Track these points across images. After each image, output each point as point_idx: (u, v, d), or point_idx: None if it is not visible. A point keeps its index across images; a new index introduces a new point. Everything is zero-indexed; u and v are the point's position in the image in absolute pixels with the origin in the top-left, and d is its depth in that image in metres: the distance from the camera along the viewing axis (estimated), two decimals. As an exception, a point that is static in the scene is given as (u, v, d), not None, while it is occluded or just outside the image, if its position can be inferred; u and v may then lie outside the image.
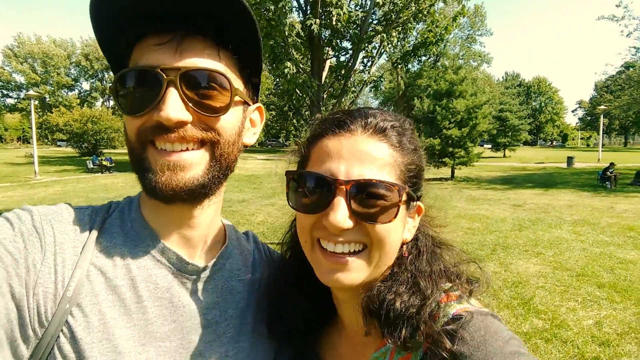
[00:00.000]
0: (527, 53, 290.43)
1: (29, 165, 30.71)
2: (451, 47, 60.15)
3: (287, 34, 9.12)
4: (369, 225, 0.80)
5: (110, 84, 0.84)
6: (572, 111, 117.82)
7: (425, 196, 0.95)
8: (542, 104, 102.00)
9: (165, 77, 0.76)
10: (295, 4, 10.67)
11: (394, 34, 10.17)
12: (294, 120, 57.21)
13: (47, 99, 70.33)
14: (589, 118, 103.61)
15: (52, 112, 47.47)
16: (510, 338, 0.75)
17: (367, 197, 0.78)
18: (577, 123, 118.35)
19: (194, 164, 0.81)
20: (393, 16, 10.32)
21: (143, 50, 0.79)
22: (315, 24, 9.33)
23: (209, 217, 0.94)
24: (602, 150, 42.60)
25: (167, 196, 0.80)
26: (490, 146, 57.59)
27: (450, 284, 0.86)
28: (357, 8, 11.24)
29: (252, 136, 0.99)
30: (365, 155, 0.80)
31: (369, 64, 11.29)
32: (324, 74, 10.85)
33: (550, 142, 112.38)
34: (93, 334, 0.75)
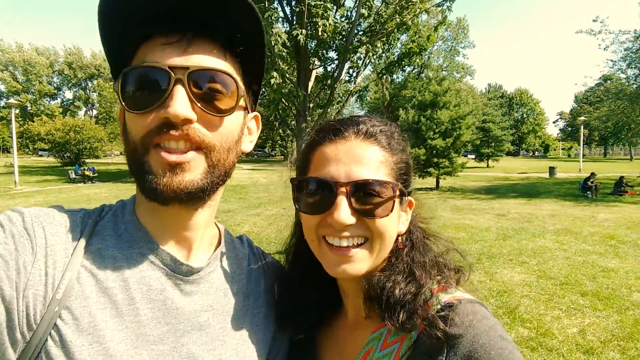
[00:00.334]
0: (509, 65, 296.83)
1: (9, 175, 30.02)
2: (435, 58, 61.10)
3: (273, 44, 9.14)
4: (369, 220, 0.89)
5: (114, 82, 0.83)
6: (554, 122, 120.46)
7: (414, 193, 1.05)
8: (524, 115, 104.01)
9: (173, 75, 0.76)
10: (281, 14, 10.72)
11: (378, 44, 10.28)
12: (280, 130, 57.21)
13: (29, 108, 69.21)
14: (569, 129, 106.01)
15: (33, 121, 46.67)
16: (495, 324, 0.84)
17: (365, 195, 0.88)
18: (558, 134, 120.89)
19: (192, 166, 0.80)
20: (378, 27, 10.44)
21: (150, 49, 0.79)
22: (301, 34, 9.38)
23: (204, 220, 0.94)
24: (583, 161, 43.53)
25: (168, 198, 0.79)
26: (474, 156, 58.37)
27: (441, 275, 0.96)
28: (342, 19, 11.35)
29: (249, 144, 0.99)
30: (360, 158, 0.89)
31: (354, 74, 11.38)
32: (310, 83, 10.89)
33: (532, 153, 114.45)
34: (83, 337, 0.73)
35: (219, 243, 1.02)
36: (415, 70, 54.12)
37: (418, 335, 0.87)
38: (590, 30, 29.63)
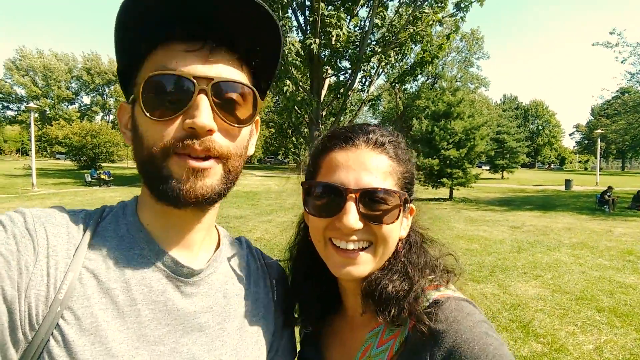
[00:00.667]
0: (524, 76, 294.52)
1: (27, 178, 30.62)
2: (449, 69, 60.99)
3: (286, 53, 9.20)
4: (375, 226, 0.93)
5: (134, 88, 0.83)
6: (570, 134, 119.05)
7: (414, 201, 1.09)
8: (540, 127, 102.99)
9: (197, 85, 0.77)
10: (295, 23, 10.81)
11: (391, 54, 10.30)
12: (293, 138, 57.42)
13: (47, 112, 70.75)
14: (586, 142, 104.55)
15: (51, 125, 47.66)
16: (481, 321, 0.87)
17: (373, 202, 0.92)
18: (574, 146, 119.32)
19: (212, 173, 0.82)
20: (391, 37, 10.47)
21: (171, 54, 0.79)
22: (314, 43, 9.44)
23: (207, 222, 0.95)
24: (600, 174, 42.76)
25: (189, 202, 0.80)
26: (488, 168, 57.77)
27: (434, 275, 1.01)
28: (356, 29, 11.39)
29: (250, 147, 1.00)
30: (369, 166, 0.93)
31: (367, 83, 11.39)
32: (323, 92, 10.94)
33: (548, 165, 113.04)
34: (85, 337, 0.74)
35: (219, 244, 1.02)
36: (429, 80, 54.08)
37: (409, 332, 0.92)
38: (607, 42, 29.36)
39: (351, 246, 0.94)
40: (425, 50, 10.99)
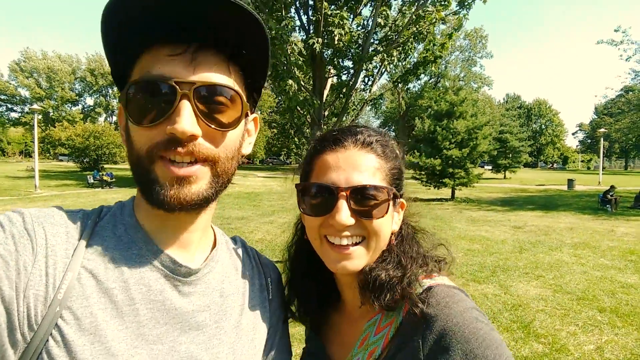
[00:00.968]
0: (528, 75, 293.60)
1: (30, 179, 30.74)
2: (452, 68, 60.86)
3: (289, 53, 9.20)
4: (366, 221, 0.98)
5: (120, 94, 0.84)
6: (573, 134, 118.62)
7: (405, 194, 1.15)
8: (543, 126, 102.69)
9: (179, 90, 0.76)
10: (298, 23, 10.81)
11: (394, 53, 10.28)
12: (296, 139, 57.41)
13: (51, 114, 70.91)
14: (589, 141, 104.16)
15: (55, 127, 47.79)
16: (472, 307, 0.90)
17: (363, 198, 0.97)
18: (577, 146, 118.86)
19: (198, 177, 0.82)
20: (394, 36, 10.45)
21: (154, 59, 0.79)
22: (317, 43, 9.42)
23: (203, 223, 0.96)
24: (603, 173, 42.55)
25: (174, 208, 0.81)
26: (490, 167, 57.55)
27: (427, 266, 1.05)
28: (359, 28, 11.38)
29: (248, 146, 1.00)
30: (358, 165, 0.99)
31: (369, 82, 11.37)
32: (326, 92, 10.92)
33: (550, 165, 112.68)
34: (85, 336, 0.74)
35: (215, 244, 1.03)
36: (432, 79, 53.98)
37: (402, 319, 0.97)
38: (611, 40, 29.21)
39: (345, 242, 0.99)
40: (428, 49, 10.96)
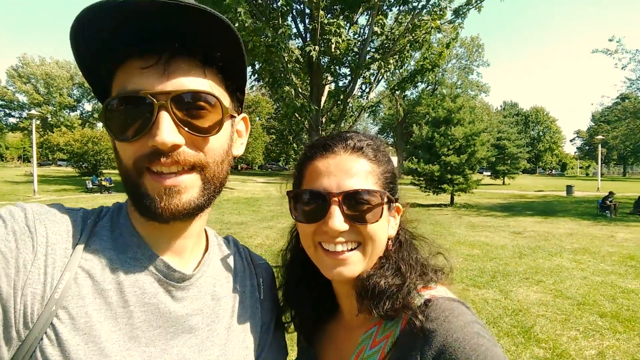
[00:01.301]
0: (525, 83, 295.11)
1: (29, 184, 30.66)
2: (449, 76, 61.18)
3: (286, 60, 9.24)
4: (360, 226, 0.96)
5: (99, 111, 0.83)
6: (571, 140, 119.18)
7: (402, 199, 1.12)
8: (541, 133, 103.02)
9: (156, 102, 0.75)
10: (295, 31, 10.87)
11: (391, 61, 10.34)
12: (294, 144, 57.52)
13: (49, 119, 70.88)
14: (587, 147, 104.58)
15: (53, 132, 47.81)
16: (473, 322, 0.87)
17: (355, 203, 0.95)
18: (575, 152, 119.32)
19: (188, 186, 0.81)
20: (390, 44, 10.52)
21: (128, 74, 0.78)
22: (314, 50, 9.48)
23: (197, 229, 0.96)
24: (601, 180, 42.65)
25: (167, 219, 0.81)
26: (489, 173, 57.76)
27: (425, 275, 1.02)
28: (355, 36, 11.45)
29: (239, 147, 1.00)
30: (349, 170, 0.97)
31: (366, 90, 11.43)
32: (323, 98, 10.97)
33: (549, 171, 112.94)
34: (79, 336, 0.74)
35: (207, 247, 1.03)
36: (430, 87, 54.23)
37: (400, 333, 0.94)
38: (606, 49, 29.43)
39: (340, 248, 0.97)
40: (426, 58, 11.03)
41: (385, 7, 11.31)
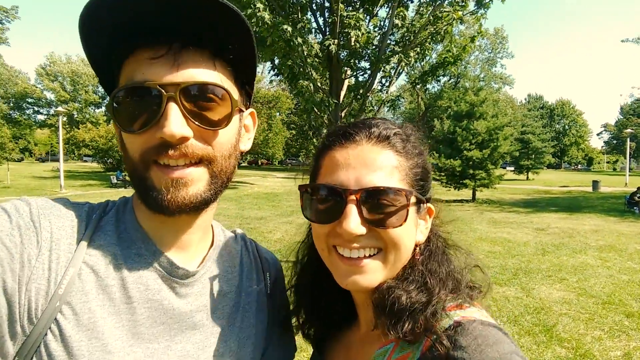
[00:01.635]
0: (550, 75, 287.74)
1: (55, 179, 31.58)
2: (472, 69, 60.13)
3: (305, 55, 9.22)
4: (381, 230, 0.82)
5: (107, 102, 0.82)
6: (598, 134, 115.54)
7: (435, 198, 0.97)
8: (566, 127, 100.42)
9: (165, 93, 0.74)
10: (314, 25, 10.84)
11: (411, 54, 10.20)
12: (314, 140, 57.51)
13: (75, 116, 72.70)
14: (615, 142, 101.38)
15: (79, 129, 49.06)
16: (512, 352, 0.71)
17: (376, 203, 0.81)
18: (602, 146, 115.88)
19: (195, 179, 0.80)
20: (411, 37, 10.38)
21: (137, 64, 0.77)
22: (333, 44, 9.43)
23: (203, 224, 0.94)
24: (630, 175, 41.38)
25: (173, 212, 0.80)
26: (512, 168, 56.68)
27: (458, 291, 0.87)
28: (375, 29, 11.34)
29: (247, 142, 0.98)
30: (372, 163, 0.83)
31: (386, 83, 11.32)
32: (342, 93, 10.92)
33: (575, 166, 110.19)
34: (82, 332, 0.74)
35: (213, 242, 1.01)
36: (452, 80, 53.43)
37: (422, 354, 0.79)
38: (637, 39, 28.40)
39: (355, 254, 0.84)
40: (449, 50, 10.85)
41: (406, -1, 11.22)
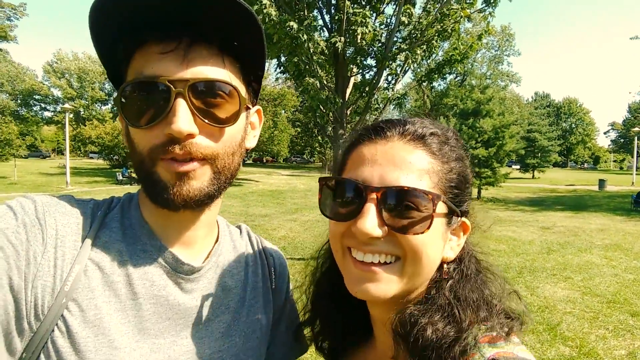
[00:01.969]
0: (557, 73, 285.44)
1: (62, 176, 31.78)
2: (478, 66, 59.82)
3: (311, 52, 9.22)
4: (400, 236, 0.74)
5: (115, 95, 0.83)
6: (604, 133, 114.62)
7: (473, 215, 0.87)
8: (573, 125, 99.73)
9: (173, 89, 0.74)
10: (320, 22, 10.83)
11: (418, 51, 10.16)
12: (319, 137, 57.46)
13: (82, 113, 73.05)
14: (622, 140, 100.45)
15: (85, 125, 49.33)
16: None
17: (398, 204, 0.73)
18: (609, 145, 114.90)
19: (199, 174, 0.80)
20: (418, 34, 10.34)
21: (146, 59, 0.77)
22: (339, 41, 9.42)
23: (208, 220, 0.95)
24: (637, 174, 41.02)
25: (178, 206, 0.80)
26: (518, 167, 56.40)
27: (491, 322, 0.77)
28: (382, 27, 11.30)
29: (252, 139, 0.98)
30: (400, 161, 0.76)
31: (392, 81, 11.28)
32: (348, 90, 10.91)
33: (581, 164, 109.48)
34: (89, 328, 0.75)
35: (218, 238, 1.01)
36: (458, 78, 53.17)
37: None
38: (646, 36, 28.12)
39: (369, 258, 0.76)
40: (455, 48, 10.79)
41: (413, -5, 11.16)
